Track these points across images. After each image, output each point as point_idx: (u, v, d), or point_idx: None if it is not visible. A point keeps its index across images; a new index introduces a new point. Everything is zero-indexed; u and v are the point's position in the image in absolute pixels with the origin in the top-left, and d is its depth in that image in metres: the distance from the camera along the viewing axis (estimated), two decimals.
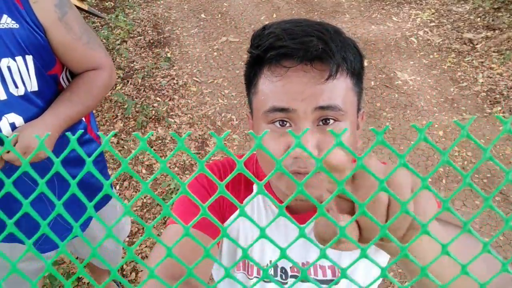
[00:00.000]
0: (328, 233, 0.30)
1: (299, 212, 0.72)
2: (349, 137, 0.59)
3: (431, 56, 3.49)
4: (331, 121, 0.57)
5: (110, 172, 2.37)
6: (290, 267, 0.75)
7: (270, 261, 0.74)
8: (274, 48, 0.57)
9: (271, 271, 0.74)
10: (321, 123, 0.58)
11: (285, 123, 0.58)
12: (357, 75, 0.61)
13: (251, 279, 0.75)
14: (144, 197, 2.33)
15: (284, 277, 0.75)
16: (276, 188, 0.72)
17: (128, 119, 2.94)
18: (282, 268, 0.75)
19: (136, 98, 3.15)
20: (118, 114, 2.99)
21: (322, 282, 0.73)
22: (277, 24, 0.61)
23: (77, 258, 1.97)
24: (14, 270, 0.23)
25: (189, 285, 0.55)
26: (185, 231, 0.22)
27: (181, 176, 2.47)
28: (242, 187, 0.74)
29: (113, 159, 2.59)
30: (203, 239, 0.64)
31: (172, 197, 2.25)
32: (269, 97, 0.59)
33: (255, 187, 0.73)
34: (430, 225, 0.24)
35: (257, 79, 0.62)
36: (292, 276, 0.74)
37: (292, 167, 0.57)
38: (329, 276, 0.73)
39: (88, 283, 1.89)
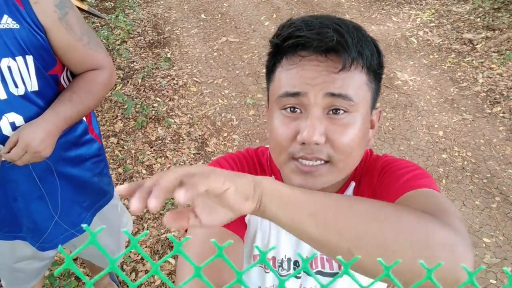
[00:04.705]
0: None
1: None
2: (359, 129, 0.60)
3: (431, 56, 3.49)
4: (341, 111, 0.58)
5: (110, 172, 2.36)
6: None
7: (285, 256, 0.76)
8: (292, 38, 0.59)
9: (285, 265, 0.76)
10: (331, 112, 0.59)
11: (296, 109, 0.60)
12: (374, 72, 0.62)
13: (268, 272, 0.78)
14: None
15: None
16: (284, 174, 0.72)
17: (128, 119, 2.94)
18: (296, 261, 0.76)
19: (136, 98, 3.15)
20: (118, 114, 2.99)
21: (329, 274, 0.74)
22: (302, 17, 0.63)
23: (77, 258, 1.97)
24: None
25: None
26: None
27: None
28: (258, 171, 0.76)
29: (113, 159, 2.59)
30: (225, 234, 0.64)
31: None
32: (283, 83, 0.61)
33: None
34: None
35: (275, 68, 0.64)
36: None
37: (300, 153, 0.59)
38: (335, 269, 0.74)
39: None
